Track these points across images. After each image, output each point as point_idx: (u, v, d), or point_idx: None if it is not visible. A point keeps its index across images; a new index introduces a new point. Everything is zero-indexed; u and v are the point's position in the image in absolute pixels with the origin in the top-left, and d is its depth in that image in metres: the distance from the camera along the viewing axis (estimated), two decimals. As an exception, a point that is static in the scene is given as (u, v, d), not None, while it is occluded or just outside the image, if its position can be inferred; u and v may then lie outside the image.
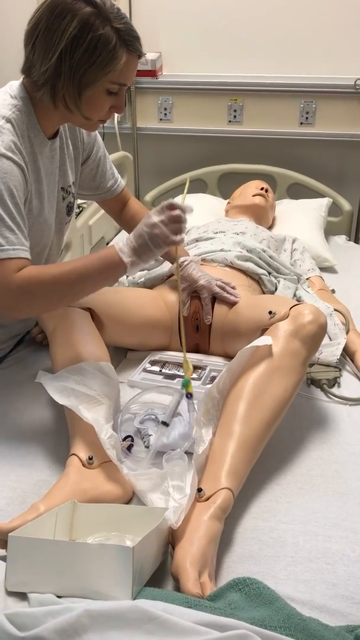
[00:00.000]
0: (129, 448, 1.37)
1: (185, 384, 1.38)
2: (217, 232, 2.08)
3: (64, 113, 1.39)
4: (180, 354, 1.68)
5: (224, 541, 1.16)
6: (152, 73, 2.76)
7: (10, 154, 1.33)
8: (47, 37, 1.30)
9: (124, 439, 1.39)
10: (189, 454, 1.33)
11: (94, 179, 1.72)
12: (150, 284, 1.92)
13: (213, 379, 1.59)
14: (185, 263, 1.75)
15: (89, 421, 1.25)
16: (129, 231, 1.85)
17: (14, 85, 1.42)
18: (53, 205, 1.54)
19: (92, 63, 1.30)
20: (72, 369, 1.39)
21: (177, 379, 1.61)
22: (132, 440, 1.40)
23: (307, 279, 2.08)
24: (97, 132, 1.62)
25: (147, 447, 1.38)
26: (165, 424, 1.38)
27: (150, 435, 1.40)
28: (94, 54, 1.30)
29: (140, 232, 1.31)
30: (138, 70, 1.44)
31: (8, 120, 1.35)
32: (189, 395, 1.38)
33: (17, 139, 1.35)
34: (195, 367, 1.66)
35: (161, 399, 1.50)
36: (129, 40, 1.33)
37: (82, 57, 1.30)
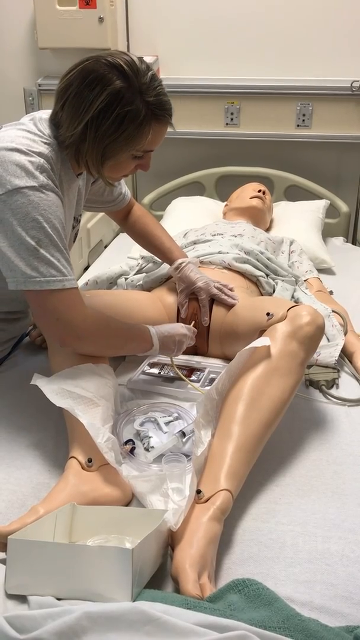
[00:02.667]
0: (132, 451, 1.37)
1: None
2: (214, 235, 2.08)
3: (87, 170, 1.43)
4: (180, 356, 1.70)
5: (223, 543, 1.16)
6: (149, 76, 2.77)
7: (56, 189, 1.35)
8: (75, 104, 1.32)
9: (126, 443, 1.39)
10: (187, 455, 1.33)
11: (103, 194, 1.75)
12: (148, 287, 1.93)
13: (212, 380, 1.59)
14: (183, 265, 1.76)
15: (85, 426, 1.26)
16: (131, 235, 1.90)
17: (44, 121, 1.42)
18: (67, 237, 1.56)
19: (118, 137, 1.32)
20: (67, 372, 1.39)
21: (176, 382, 1.61)
22: (134, 443, 1.40)
23: (305, 280, 2.09)
24: None
25: (146, 449, 1.38)
26: (183, 434, 1.39)
27: (150, 437, 1.40)
28: (120, 128, 1.31)
29: (171, 334, 1.56)
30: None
31: (47, 160, 1.35)
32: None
33: (54, 175, 1.37)
34: (194, 370, 1.66)
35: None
36: (159, 114, 1.36)
37: (107, 130, 1.31)
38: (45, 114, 1.43)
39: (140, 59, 1.35)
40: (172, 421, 1.47)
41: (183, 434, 1.39)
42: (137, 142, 1.35)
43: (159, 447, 1.36)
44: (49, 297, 1.33)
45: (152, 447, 1.38)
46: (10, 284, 1.33)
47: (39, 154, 1.34)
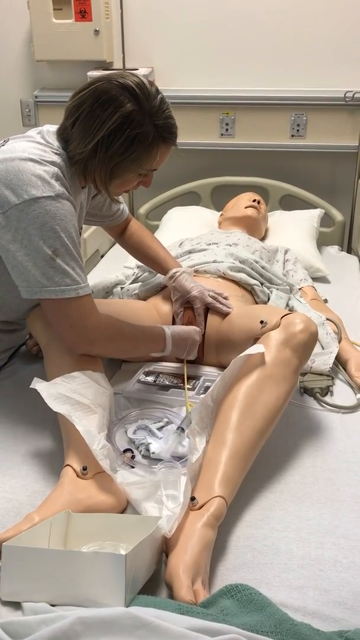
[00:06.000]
0: (133, 458, 1.38)
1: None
2: (210, 244, 2.09)
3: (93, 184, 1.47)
4: (174, 364, 1.71)
5: (217, 549, 1.16)
6: (144, 88, 2.80)
7: (71, 197, 1.39)
8: (87, 123, 1.36)
9: (124, 452, 1.39)
10: (182, 462, 1.34)
11: (102, 209, 1.79)
12: (144, 295, 1.94)
13: (207, 389, 1.60)
14: (178, 274, 1.77)
15: (80, 432, 1.26)
16: (127, 249, 1.94)
17: (52, 134, 1.45)
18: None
19: (126, 157, 1.38)
20: (66, 377, 1.40)
21: (171, 390, 1.62)
22: (132, 452, 1.40)
23: (299, 289, 2.10)
24: None
25: (145, 456, 1.39)
26: (182, 429, 1.41)
27: (149, 443, 1.41)
28: (129, 149, 1.36)
29: (184, 337, 1.62)
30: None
31: (60, 169, 1.39)
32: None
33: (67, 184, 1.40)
34: (190, 378, 1.67)
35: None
36: (167, 137, 1.41)
37: (117, 150, 1.36)
38: (52, 127, 1.47)
39: (151, 82, 1.40)
40: (164, 426, 1.47)
41: (182, 430, 1.40)
42: (145, 162, 1.41)
43: (166, 448, 1.37)
44: (64, 306, 1.37)
45: (153, 452, 1.38)
46: (23, 293, 1.36)
47: (52, 163, 1.37)
